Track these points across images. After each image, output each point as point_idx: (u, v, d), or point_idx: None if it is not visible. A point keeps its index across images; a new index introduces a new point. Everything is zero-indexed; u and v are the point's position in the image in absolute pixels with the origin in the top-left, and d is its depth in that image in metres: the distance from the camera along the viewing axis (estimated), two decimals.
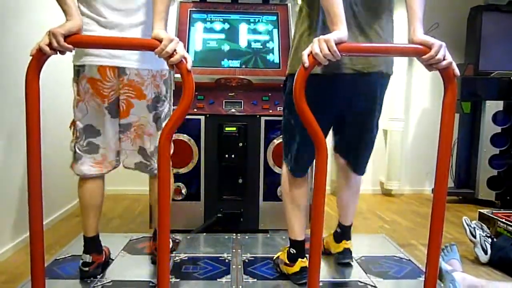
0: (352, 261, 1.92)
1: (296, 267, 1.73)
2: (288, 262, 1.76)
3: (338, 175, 1.94)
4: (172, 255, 1.95)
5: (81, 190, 1.73)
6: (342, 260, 1.89)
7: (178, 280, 1.76)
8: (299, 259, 1.73)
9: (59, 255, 1.98)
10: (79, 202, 1.76)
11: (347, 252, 1.90)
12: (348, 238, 1.92)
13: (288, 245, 1.80)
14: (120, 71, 1.59)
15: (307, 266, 1.68)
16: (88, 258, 1.72)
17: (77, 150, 1.69)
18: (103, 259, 1.80)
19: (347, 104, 1.64)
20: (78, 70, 1.62)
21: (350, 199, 1.91)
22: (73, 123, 1.70)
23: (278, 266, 1.84)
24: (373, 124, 1.73)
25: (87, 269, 1.72)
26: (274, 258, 1.90)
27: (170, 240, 1.85)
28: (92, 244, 1.75)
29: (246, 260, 1.97)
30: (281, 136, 2.48)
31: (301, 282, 1.70)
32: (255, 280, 1.78)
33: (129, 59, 1.58)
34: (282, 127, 1.78)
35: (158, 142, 1.64)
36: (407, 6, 1.39)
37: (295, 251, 1.75)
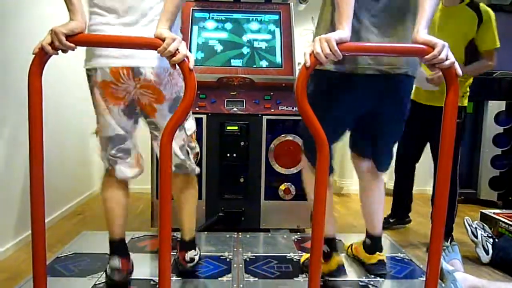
0: (386, 272, 1.86)
1: (332, 265, 1.70)
2: (322, 261, 1.68)
3: (360, 183, 1.88)
4: (173, 253, 1.96)
5: (106, 191, 1.68)
6: (377, 272, 1.83)
7: (179, 278, 1.77)
8: (334, 254, 1.70)
9: (60, 253, 1.99)
10: (104, 204, 1.68)
11: (382, 263, 1.84)
12: (381, 249, 1.87)
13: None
14: (134, 71, 1.51)
15: (343, 263, 1.67)
16: (116, 261, 1.62)
17: (108, 159, 1.65)
18: (131, 266, 1.73)
19: (372, 106, 1.60)
20: (90, 75, 1.55)
21: (375, 205, 1.85)
22: (98, 131, 1.66)
23: (307, 268, 1.76)
24: (397, 127, 1.71)
25: (116, 277, 1.63)
26: (302, 261, 1.88)
27: (197, 249, 1.85)
28: (121, 247, 1.69)
29: (247, 259, 1.98)
30: (282, 135, 2.52)
31: (340, 279, 1.68)
32: (256, 279, 1.78)
33: (143, 58, 1.49)
34: (301, 122, 1.76)
35: (182, 141, 1.67)
36: (418, 5, 1.38)
37: (328, 249, 1.70)
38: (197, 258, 1.81)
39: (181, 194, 1.77)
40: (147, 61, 1.51)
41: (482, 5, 2.48)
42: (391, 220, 3.00)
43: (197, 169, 1.80)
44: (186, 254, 1.78)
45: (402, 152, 2.82)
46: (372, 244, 1.87)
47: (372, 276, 1.83)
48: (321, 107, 1.61)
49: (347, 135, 1.81)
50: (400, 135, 1.76)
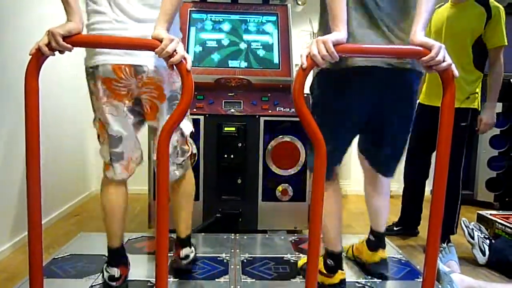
0: (387, 274, 1.86)
1: (335, 279, 1.69)
2: (325, 273, 1.70)
3: (365, 180, 1.87)
4: (170, 254, 1.95)
5: (105, 196, 1.65)
6: (378, 271, 1.84)
7: (176, 279, 1.76)
8: (339, 271, 1.70)
9: (57, 254, 1.98)
10: (102, 210, 1.66)
11: (384, 263, 1.85)
12: (384, 245, 1.88)
13: (323, 254, 1.73)
14: (136, 69, 1.50)
15: (345, 278, 1.68)
16: (116, 272, 1.63)
17: (107, 156, 1.63)
18: (129, 270, 1.73)
19: (380, 101, 1.57)
20: (91, 72, 1.53)
21: (381, 204, 1.85)
22: (99, 125, 1.63)
23: (303, 271, 1.77)
24: (405, 125, 1.68)
25: (114, 283, 1.63)
26: (300, 265, 1.87)
27: (193, 248, 1.85)
28: (119, 256, 1.68)
29: (245, 260, 1.98)
30: (280, 136, 2.52)
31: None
32: (253, 280, 1.78)
33: (145, 56, 1.49)
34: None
35: (176, 142, 1.66)
36: (416, 6, 1.38)
37: (333, 263, 1.69)
38: (192, 255, 1.81)
39: (176, 192, 1.77)
40: (149, 59, 1.50)
41: (492, 1, 2.44)
42: (395, 229, 2.94)
43: (189, 165, 1.80)
44: (181, 251, 1.79)
45: (411, 159, 2.78)
46: (376, 240, 1.87)
47: (369, 277, 1.83)
48: (332, 110, 1.59)
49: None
50: (408, 135, 1.74)
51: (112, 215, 1.64)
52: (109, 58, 1.49)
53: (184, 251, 1.79)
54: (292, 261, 2.00)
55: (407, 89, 1.60)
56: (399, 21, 1.51)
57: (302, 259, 1.90)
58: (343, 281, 1.69)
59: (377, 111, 1.61)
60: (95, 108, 1.61)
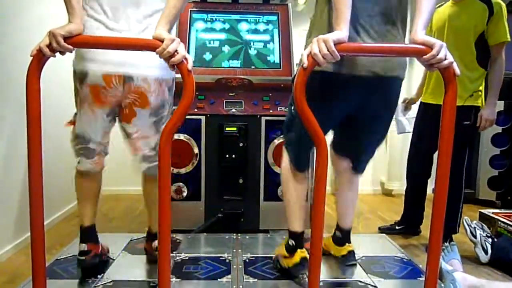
0: (356, 262, 1.91)
1: (296, 258, 1.72)
2: (287, 255, 1.75)
3: (337, 178, 1.93)
4: (172, 254, 1.96)
5: (78, 179, 1.73)
6: (349, 263, 1.88)
7: (178, 280, 1.76)
8: (298, 250, 1.72)
9: (60, 255, 1.98)
10: (76, 191, 1.75)
11: (352, 254, 1.89)
12: (349, 240, 1.92)
13: (285, 242, 1.79)
14: (126, 78, 1.54)
15: (307, 257, 1.68)
16: (83, 246, 1.70)
17: (76, 152, 1.70)
18: (100, 250, 1.78)
19: (360, 106, 1.62)
20: (79, 76, 1.56)
21: (350, 202, 1.91)
22: (72, 123, 1.70)
23: (278, 262, 1.82)
24: (383, 128, 1.74)
25: (83, 257, 1.69)
26: (274, 257, 1.90)
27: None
28: (88, 234, 1.74)
29: (247, 260, 1.97)
30: (281, 136, 2.52)
31: (302, 272, 1.70)
32: (256, 280, 1.78)
33: (137, 66, 1.52)
34: (286, 119, 1.77)
35: (154, 144, 1.67)
36: (416, 6, 1.39)
37: (294, 243, 1.74)
38: None
39: (151, 187, 1.76)
40: (140, 70, 1.53)
41: None
42: (397, 228, 2.94)
43: None
44: (153, 243, 1.84)
45: (414, 157, 2.79)
46: (342, 237, 1.92)
47: (371, 276, 1.83)
48: (311, 106, 1.61)
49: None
50: (384, 137, 1.80)
51: (84, 198, 1.74)
52: (102, 67, 1.51)
53: (156, 242, 1.80)
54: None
55: (387, 95, 1.64)
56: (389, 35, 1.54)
57: (276, 250, 1.90)
58: (303, 260, 1.69)
59: (356, 114, 1.66)
60: (77, 105, 1.65)
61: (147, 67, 1.53)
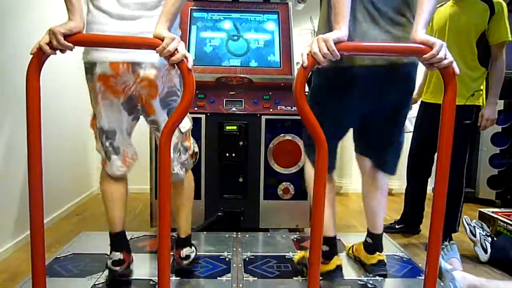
0: (386, 272, 1.85)
1: (331, 265, 1.70)
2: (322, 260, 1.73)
3: (363, 180, 1.88)
4: (172, 253, 1.96)
5: (105, 183, 1.69)
6: (377, 273, 1.83)
7: (178, 278, 1.77)
8: (335, 257, 1.70)
9: (59, 254, 1.99)
10: (102, 196, 1.70)
11: (382, 264, 1.85)
12: (381, 249, 1.87)
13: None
14: (134, 65, 1.51)
15: (341, 265, 1.67)
16: (117, 255, 1.63)
17: (105, 150, 1.66)
18: (131, 259, 1.73)
19: (378, 98, 1.60)
20: (88, 68, 1.55)
21: (379, 205, 1.85)
22: (94, 123, 1.66)
23: (305, 266, 1.77)
24: (403, 118, 1.71)
25: (117, 268, 1.63)
26: (297, 260, 1.88)
27: (193, 248, 1.85)
28: (121, 241, 1.69)
29: (247, 259, 1.98)
30: (281, 135, 2.52)
31: (338, 279, 1.68)
32: (256, 278, 1.78)
33: (144, 52, 1.49)
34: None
35: (176, 139, 1.66)
36: (417, 6, 1.39)
37: (328, 248, 1.71)
38: (193, 255, 1.81)
39: (177, 191, 1.77)
40: (148, 56, 1.50)
41: None
42: (397, 227, 2.93)
43: (190, 164, 1.82)
44: (181, 251, 1.79)
45: (414, 157, 2.78)
46: (373, 243, 1.87)
47: (371, 275, 1.83)
48: (327, 104, 1.61)
49: (348, 135, 1.81)
50: (402, 131, 1.75)
51: (112, 202, 1.68)
52: (108, 55, 1.49)
53: (184, 251, 1.80)
54: (294, 259, 2.00)
55: (404, 82, 1.62)
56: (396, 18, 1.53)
57: (299, 254, 1.90)
58: (339, 267, 1.68)
59: (373, 110, 1.63)
60: (92, 104, 1.63)
61: (151, 53, 1.46)
